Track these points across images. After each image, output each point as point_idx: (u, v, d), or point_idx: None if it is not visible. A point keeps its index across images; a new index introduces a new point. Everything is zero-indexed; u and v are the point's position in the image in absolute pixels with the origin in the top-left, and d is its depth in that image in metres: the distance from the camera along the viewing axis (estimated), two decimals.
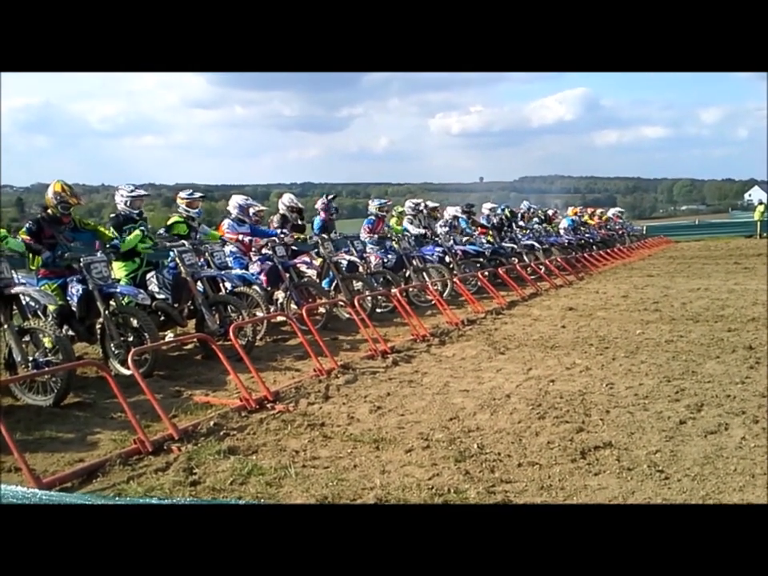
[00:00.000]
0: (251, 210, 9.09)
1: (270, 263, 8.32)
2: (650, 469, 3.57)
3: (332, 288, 9.09)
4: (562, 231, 17.68)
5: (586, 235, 18.69)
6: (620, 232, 22.42)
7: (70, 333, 5.94)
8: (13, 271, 5.63)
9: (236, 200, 8.95)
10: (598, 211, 23.91)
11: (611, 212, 24.89)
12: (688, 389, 5.10)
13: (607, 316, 8.69)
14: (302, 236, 9.76)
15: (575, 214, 20.11)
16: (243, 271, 8.05)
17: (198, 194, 8.16)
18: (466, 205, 14.36)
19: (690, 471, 3.53)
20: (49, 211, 6.31)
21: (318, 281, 8.91)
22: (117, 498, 1.07)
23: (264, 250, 8.50)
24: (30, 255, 6.17)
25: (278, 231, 8.81)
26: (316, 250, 9.18)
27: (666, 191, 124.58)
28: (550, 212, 19.45)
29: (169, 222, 8.16)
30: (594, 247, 17.98)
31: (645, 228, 28.79)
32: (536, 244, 14.50)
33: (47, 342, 5.52)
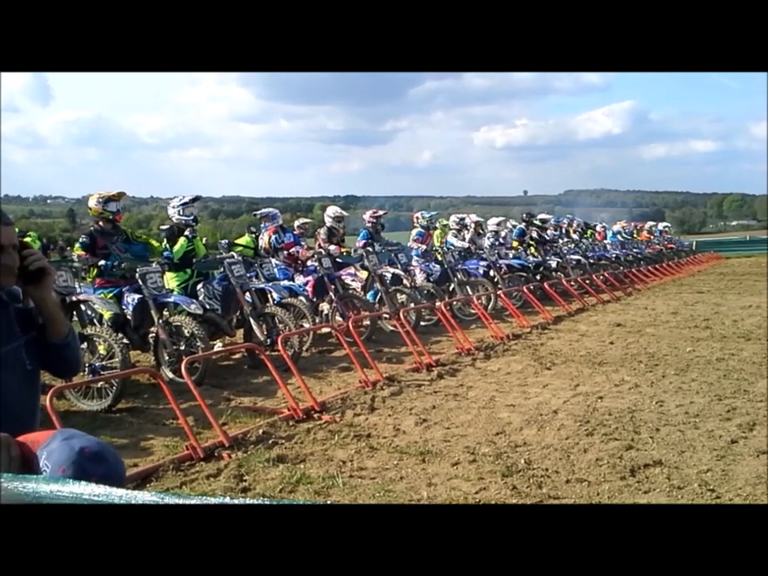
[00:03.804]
0: (296, 223, 9.35)
1: (316, 275, 8.43)
2: (701, 488, 3.52)
3: (377, 300, 9.14)
4: (608, 246, 17.44)
5: (634, 250, 18.40)
6: (668, 247, 21.99)
7: (124, 341, 6.12)
8: (75, 281, 5.91)
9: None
10: (647, 225, 23.56)
11: (660, 226, 24.50)
12: (740, 408, 4.99)
13: (656, 333, 8.55)
14: (346, 248, 9.89)
15: (623, 228, 19.89)
16: (290, 282, 8.18)
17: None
18: (526, 214, 14.40)
19: (742, 491, 3.46)
20: (100, 222, 6.52)
21: (362, 293, 8.99)
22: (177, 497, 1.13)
23: (310, 262, 8.63)
24: (88, 267, 6.42)
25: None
26: (361, 263, 9.27)
27: (716, 206, 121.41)
28: (599, 228, 19.18)
29: (237, 240, 8.49)
30: (643, 262, 17.65)
31: (694, 243, 28.20)
32: (582, 259, 14.32)
33: (102, 349, 5.72)
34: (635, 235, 20.93)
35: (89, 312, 6.17)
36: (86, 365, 5.56)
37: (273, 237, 8.86)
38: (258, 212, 9.43)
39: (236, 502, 1.16)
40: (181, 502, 1.20)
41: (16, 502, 1.29)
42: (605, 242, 17.98)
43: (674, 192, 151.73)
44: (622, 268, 15.67)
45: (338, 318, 8.32)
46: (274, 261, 8.37)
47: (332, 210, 9.93)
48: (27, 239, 6.44)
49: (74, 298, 5.71)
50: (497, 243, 12.59)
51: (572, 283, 12.46)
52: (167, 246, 7.07)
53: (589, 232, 17.93)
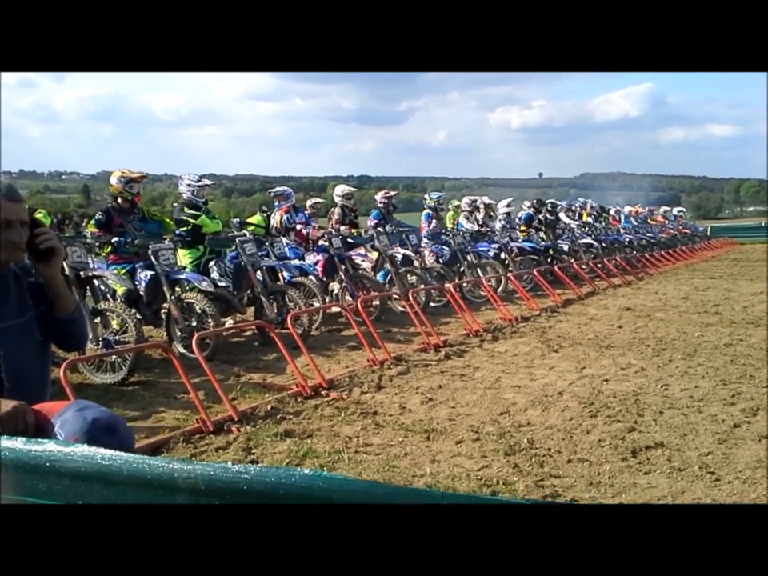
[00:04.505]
0: (308, 202, 9.41)
1: (326, 254, 8.49)
2: (701, 470, 3.56)
3: (387, 281, 9.18)
4: (622, 230, 17.34)
5: (648, 234, 18.28)
6: (682, 232, 21.81)
7: (138, 316, 6.22)
8: (89, 256, 6.01)
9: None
10: (661, 210, 23.38)
11: (675, 211, 24.31)
12: (744, 393, 5.01)
13: (666, 317, 8.55)
14: (358, 229, 9.94)
15: (636, 213, 19.76)
16: (301, 262, 8.24)
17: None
18: (536, 200, 14.30)
19: (742, 474, 3.50)
20: (118, 200, 6.61)
21: (372, 273, 9.04)
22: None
23: (320, 242, 8.69)
24: (101, 243, 6.52)
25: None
26: (372, 243, 9.30)
27: (733, 191, 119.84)
28: (612, 212, 19.03)
29: (249, 219, 8.58)
30: (656, 247, 17.53)
31: (709, 228, 27.90)
32: (594, 242, 14.26)
33: (115, 324, 5.82)
34: (649, 220, 20.78)
35: (102, 287, 6.26)
36: (100, 339, 5.67)
37: (284, 216, 8.95)
38: (273, 190, 9.53)
39: (238, 468, 1.22)
40: (186, 467, 1.26)
41: (28, 466, 1.36)
42: (618, 225, 17.87)
43: (691, 176, 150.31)
44: (634, 252, 15.60)
45: (348, 297, 8.38)
46: (284, 240, 8.43)
47: (340, 189, 9.97)
48: (38, 215, 6.55)
49: (88, 273, 5.81)
50: (508, 226, 12.57)
51: (583, 267, 12.44)
52: (188, 216, 7.12)
53: (603, 215, 17.83)
